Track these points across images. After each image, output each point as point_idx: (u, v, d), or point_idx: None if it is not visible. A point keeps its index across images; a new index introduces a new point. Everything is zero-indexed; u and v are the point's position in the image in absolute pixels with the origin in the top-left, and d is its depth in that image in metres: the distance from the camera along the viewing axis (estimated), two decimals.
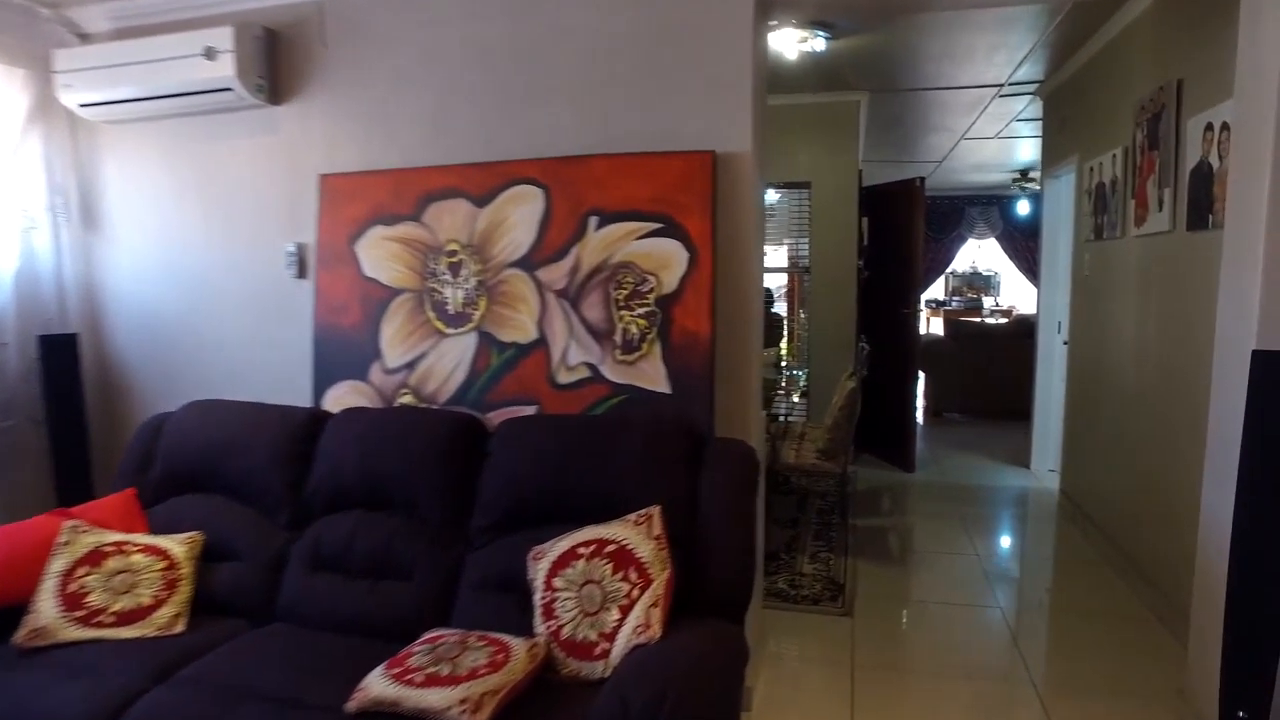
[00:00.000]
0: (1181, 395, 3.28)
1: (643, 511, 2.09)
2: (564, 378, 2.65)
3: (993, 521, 5.01)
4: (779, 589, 3.78)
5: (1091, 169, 4.52)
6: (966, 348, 7.76)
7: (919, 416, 7.93)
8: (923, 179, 5.66)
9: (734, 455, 2.21)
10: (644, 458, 2.18)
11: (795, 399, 6.11)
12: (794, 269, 6.28)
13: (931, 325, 12.66)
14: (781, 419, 5.03)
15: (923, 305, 12.84)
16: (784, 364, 6.60)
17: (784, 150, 5.95)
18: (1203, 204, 3.06)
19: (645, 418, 2.37)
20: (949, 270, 12.80)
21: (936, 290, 12.91)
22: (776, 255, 8.67)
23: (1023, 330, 7.60)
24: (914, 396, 5.84)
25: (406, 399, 2.82)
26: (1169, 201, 3.40)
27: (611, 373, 2.59)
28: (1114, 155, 4.11)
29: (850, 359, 5.48)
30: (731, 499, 2.12)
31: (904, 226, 5.81)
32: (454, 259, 2.78)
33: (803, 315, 6.14)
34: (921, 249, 5.80)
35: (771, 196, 7.99)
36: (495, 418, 2.70)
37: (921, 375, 8.14)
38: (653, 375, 2.54)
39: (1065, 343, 5.44)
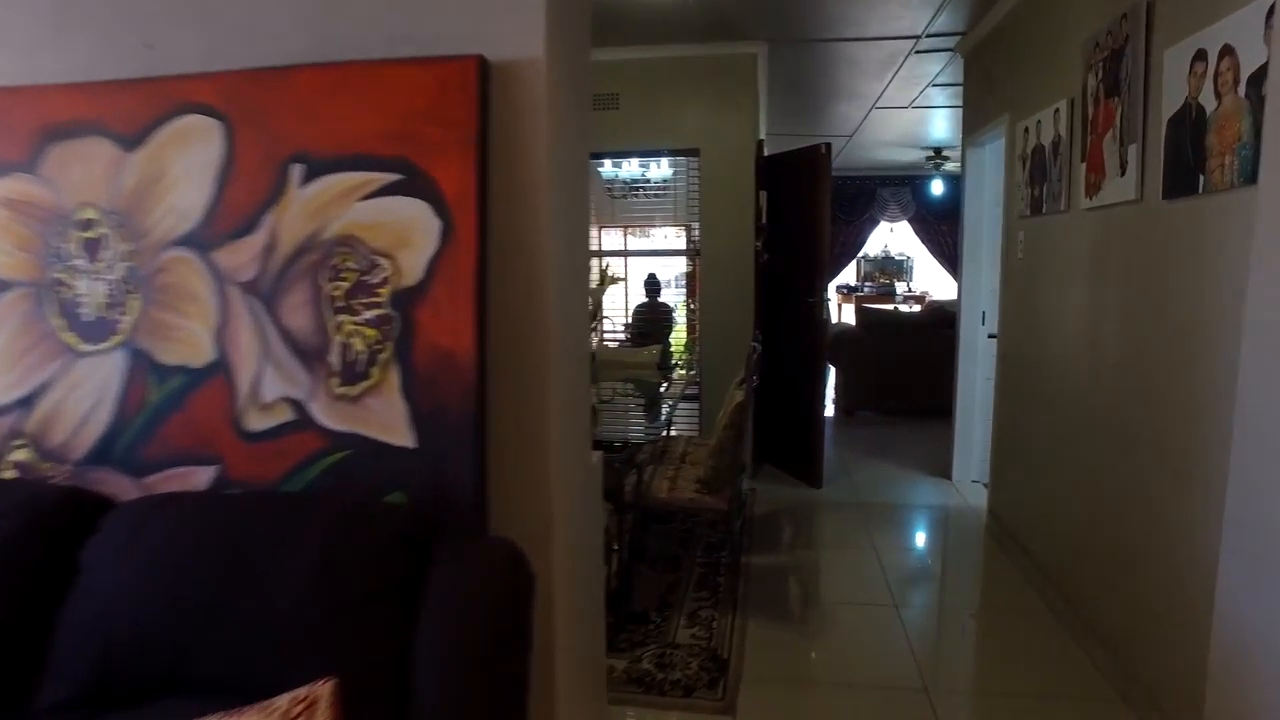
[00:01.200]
0: (1150, 406, 2.50)
1: (305, 691, 1.13)
2: (256, 422, 1.65)
3: (912, 555, 4.23)
4: (642, 671, 2.87)
5: (1026, 130, 3.74)
6: (880, 339, 7.03)
7: (829, 416, 7.19)
8: (829, 145, 4.82)
9: (484, 575, 1.27)
10: (316, 585, 1.21)
11: (677, 407, 5.23)
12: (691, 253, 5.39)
13: (844, 313, 12.03)
14: (661, 436, 4.13)
15: (833, 291, 12.22)
16: (675, 363, 5.71)
17: (666, 110, 5.02)
18: (1188, 161, 2.26)
19: (334, 505, 1.40)
20: (861, 255, 12.19)
21: (848, 275, 12.29)
22: (668, 237, 7.80)
23: (940, 320, 6.90)
24: (822, 399, 5.04)
25: (21, 455, 1.78)
26: (1135, 162, 2.61)
27: (326, 414, 1.61)
28: (1056, 110, 3.33)
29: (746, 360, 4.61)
30: (473, 662, 1.17)
31: (808, 202, 4.97)
32: (91, 233, 1.75)
33: (692, 306, 5.25)
34: (829, 228, 4.97)
35: (664, 170, 7.08)
36: (156, 485, 1.69)
37: (832, 370, 7.39)
38: (386, 418, 1.57)
39: (991, 336, 4.71)
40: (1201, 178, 2.19)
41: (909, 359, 6.95)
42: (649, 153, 5.39)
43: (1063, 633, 3.14)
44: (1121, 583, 2.71)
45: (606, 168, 7.69)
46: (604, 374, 4.73)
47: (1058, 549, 3.35)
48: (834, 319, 11.74)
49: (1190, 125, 2.25)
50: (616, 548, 3.19)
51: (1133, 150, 2.62)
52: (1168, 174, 2.39)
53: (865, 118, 7.41)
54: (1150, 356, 2.54)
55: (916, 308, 11.54)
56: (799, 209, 5.07)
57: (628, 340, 5.51)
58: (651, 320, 5.80)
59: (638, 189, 7.77)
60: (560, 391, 1.69)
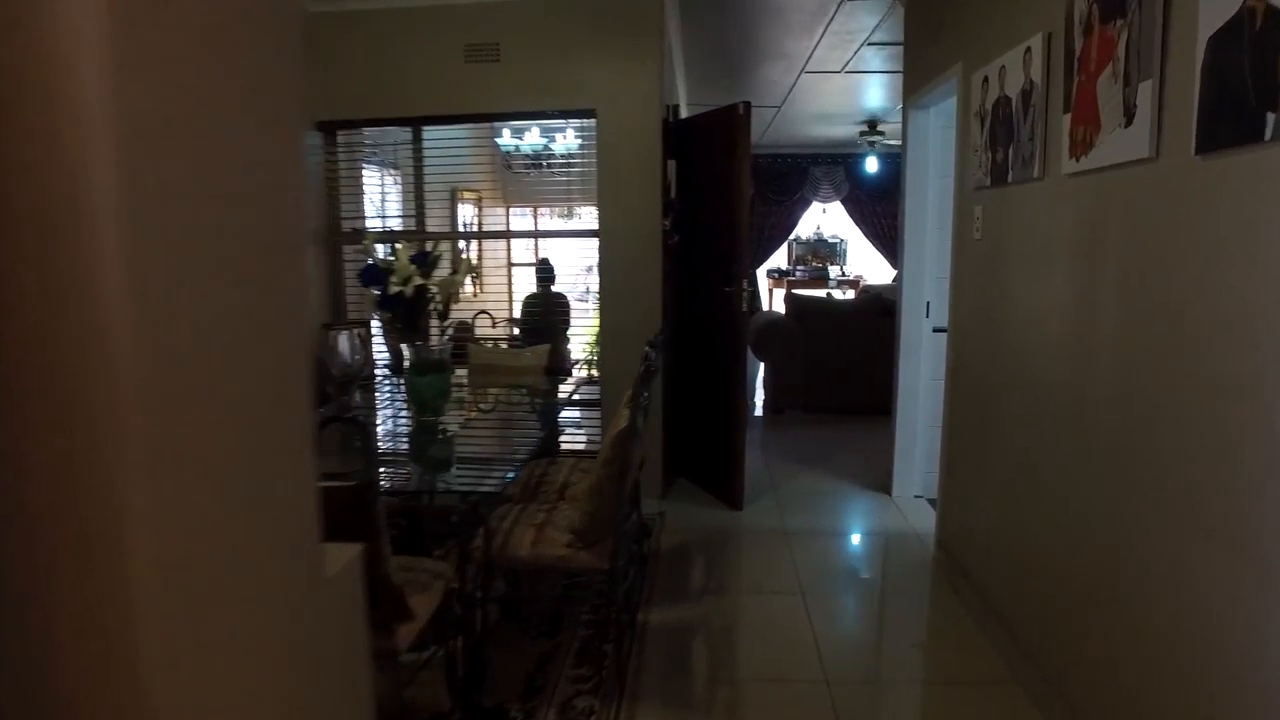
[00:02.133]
0: (1168, 430, 1.79)
1: None
2: None
3: (848, 604, 3.51)
4: None
5: (985, 80, 3.01)
6: (812, 329, 6.32)
7: (757, 416, 6.47)
8: (748, 103, 4.04)
9: None
10: None
11: (557, 422, 4.45)
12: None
13: (776, 299, 11.38)
14: (537, 461, 3.32)
15: (764, 276, 11.56)
16: (579, 364, 4.91)
17: (555, 64, 4.18)
18: (1243, 97, 1.53)
19: None
20: (792, 237, 11.54)
21: (780, 259, 11.63)
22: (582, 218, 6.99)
23: (877, 308, 6.24)
24: (743, 405, 4.29)
25: None
26: (1148, 106, 1.88)
27: None
28: (1027, 51, 2.60)
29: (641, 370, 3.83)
30: None
31: (725, 173, 4.19)
32: None
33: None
34: (749, 204, 4.20)
35: (571, 141, 6.22)
36: None
37: (762, 364, 6.67)
38: None
39: (939, 330, 4.02)
40: (1271, 118, 1.46)
41: (844, 352, 6.28)
42: (535, 115, 4.55)
43: (1029, 709, 2.45)
44: (1122, 656, 2.01)
45: (505, 138, 6.81)
46: (483, 381, 3.89)
47: (1027, 601, 2.65)
48: (765, 306, 11.09)
49: (1250, 42, 1.52)
50: (463, 621, 2.37)
51: (1145, 90, 1.89)
52: (1206, 118, 1.66)
53: (794, 84, 6.68)
54: (1168, 367, 1.83)
55: (850, 293, 10.97)
56: (714, 182, 4.29)
57: (518, 339, 4.68)
58: (542, 314, 4.97)
59: (541, 162, 6.90)
60: (168, 458, 0.85)
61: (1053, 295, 2.50)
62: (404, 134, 4.54)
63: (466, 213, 6.81)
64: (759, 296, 11.35)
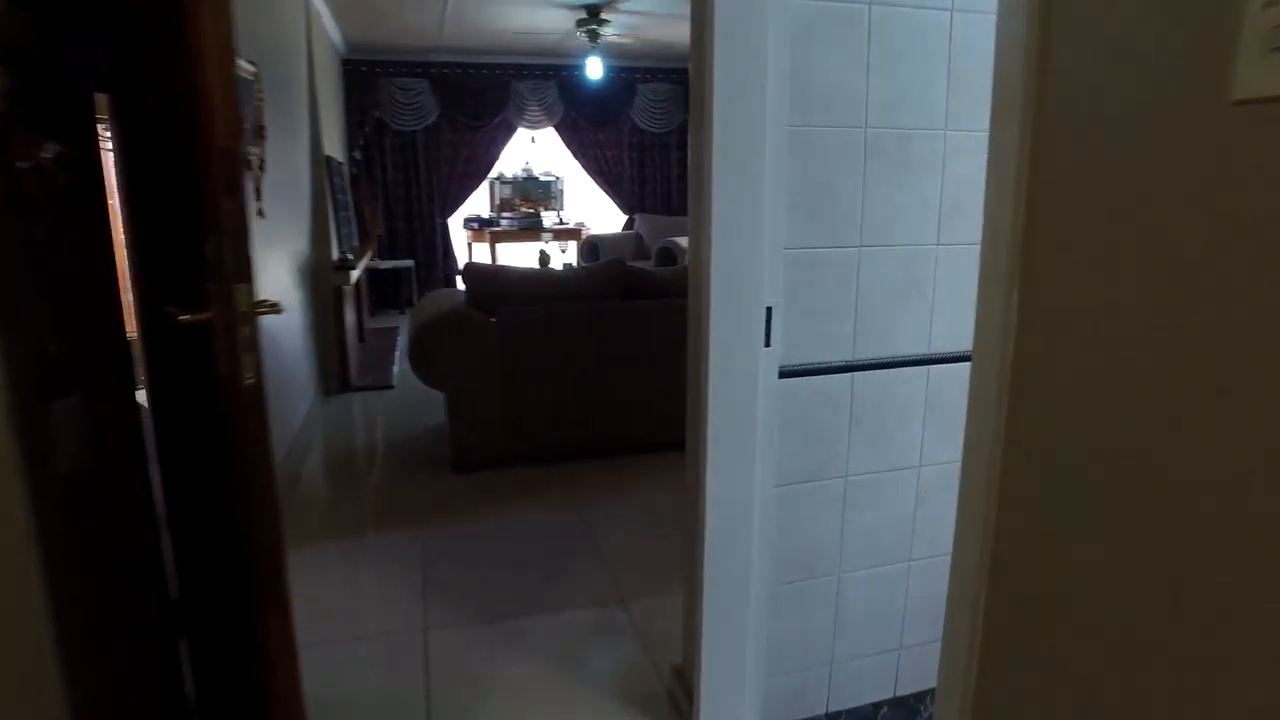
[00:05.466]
0: None
1: None
2: None
3: None
4: None
5: None
6: (513, 324, 3.68)
7: (434, 479, 3.72)
8: None
9: None
10: None
11: None
12: None
13: (478, 258, 8.60)
14: None
15: (461, 226, 8.73)
16: None
17: None
18: None
19: None
20: (496, 175, 8.77)
21: (480, 203, 8.83)
22: None
23: (621, 285, 3.76)
24: (264, 572, 1.61)
25: None
26: None
27: None
28: None
29: None
30: None
31: (170, 63, 1.33)
32: None
33: None
34: (230, 114, 1.69)
35: None
36: None
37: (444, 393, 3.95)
38: None
39: (795, 373, 1.55)
40: None
41: (572, 357, 3.72)
42: None
43: None
44: None
45: None
46: None
47: None
48: (459, 283, 8.28)
49: None
50: None
51: None
52: None
53: None
54: None
55: (570, 248, 8.50)
56: (153, 80, 1.41)
57: None
58: None
59: None
60: None
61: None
62: None
63: None
64: (453, 262, 8.50)
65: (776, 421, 1.81)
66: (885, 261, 1.82)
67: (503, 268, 4.46)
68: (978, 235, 1.01)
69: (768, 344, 1.74)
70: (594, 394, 3.73)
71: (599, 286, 3.79)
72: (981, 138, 1.02)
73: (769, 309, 1.73)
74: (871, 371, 1.87)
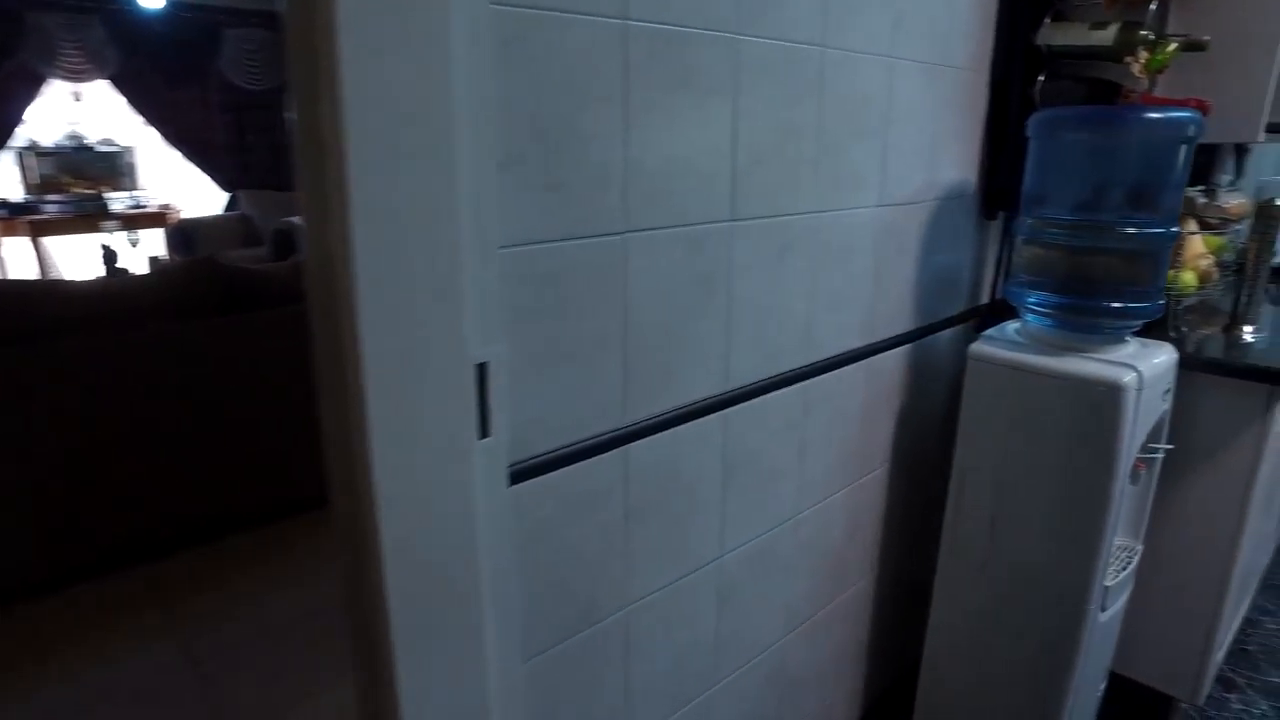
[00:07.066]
0: None
1: None
2: None
3: None
4: None
5: None
6: (47, 373, 2.34)
7: None
8: None
9: None
10: None
11: None
12: None
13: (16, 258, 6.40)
14: None
15: None
16: None
17: None
18: None
19: None
20: (26, 144, 6.54)
21: (7, 183, 6.55)
22: None
23: (227, 291, 2.63)
24: None
25: None
26: None
27: None
28: None
29: None
30: None
31: None
32: None
33: None
34: None
35: None
36: None
37: None
38: None
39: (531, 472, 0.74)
40: None
41: (150, 413, 2.50)
42: None
43: None
44: None
45: None
46: None
47: None
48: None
49: None
50: None
51: None
52: None
53: None
54: None
55: (154, 236, 6.70)
56: None
57: None
58: None
59: None
60: None
61: None
62: None
63: None
64: None
65: (512, 562, 0.98)
66: (666, 252, 1.07)
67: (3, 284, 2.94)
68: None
69: (484, 433, 0.90)
70: (188, 456, 2.55)
71: (181, 297, 2.57)
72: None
73: (480, 366, 0.88)
74: (653, 436, 1.12)
